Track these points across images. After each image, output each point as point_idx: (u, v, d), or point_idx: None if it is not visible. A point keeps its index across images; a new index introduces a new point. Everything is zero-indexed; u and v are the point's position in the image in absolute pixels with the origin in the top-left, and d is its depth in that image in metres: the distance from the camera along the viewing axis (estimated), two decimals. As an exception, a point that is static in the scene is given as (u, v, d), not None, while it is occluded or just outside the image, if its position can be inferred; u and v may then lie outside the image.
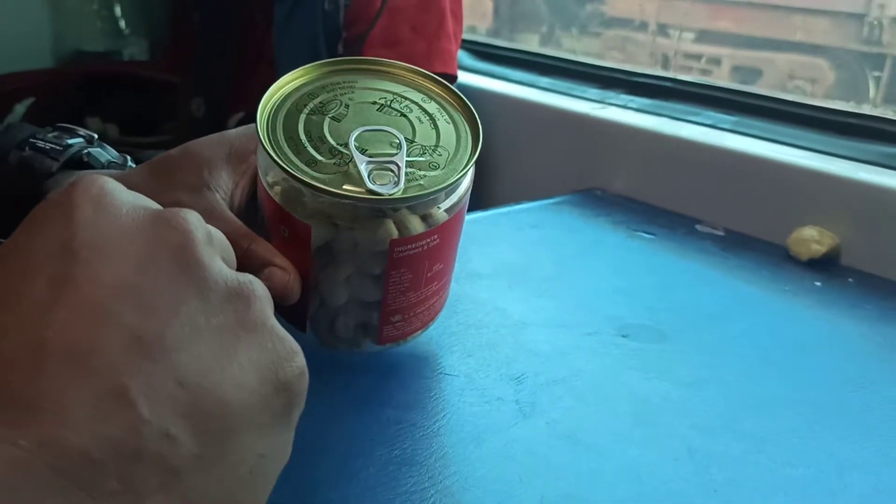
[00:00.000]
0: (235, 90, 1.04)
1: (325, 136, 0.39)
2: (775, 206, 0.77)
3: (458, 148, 0.41)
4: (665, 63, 1.16)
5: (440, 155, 0.40)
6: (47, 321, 0.23)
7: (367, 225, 0.38)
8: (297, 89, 0.42)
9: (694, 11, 1.16)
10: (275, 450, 0.27)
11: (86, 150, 0.51)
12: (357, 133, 0.39)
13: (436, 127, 0.42)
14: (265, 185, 0.40)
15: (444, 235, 0.41)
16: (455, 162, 0.40)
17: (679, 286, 0.67)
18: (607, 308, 0.61)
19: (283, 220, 0.39)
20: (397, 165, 0.38)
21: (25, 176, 0.49)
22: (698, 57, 1.14)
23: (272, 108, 0.40)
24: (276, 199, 0.39)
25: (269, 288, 0.32)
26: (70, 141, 0.51)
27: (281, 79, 0.42)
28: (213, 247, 0.28)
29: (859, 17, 0.97)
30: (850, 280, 0.69)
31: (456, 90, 0.44)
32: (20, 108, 1.30)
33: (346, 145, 0.39)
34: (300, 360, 0.28)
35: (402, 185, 0.37)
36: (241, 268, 0.32)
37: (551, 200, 0.87)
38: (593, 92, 1.01)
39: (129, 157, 0.55)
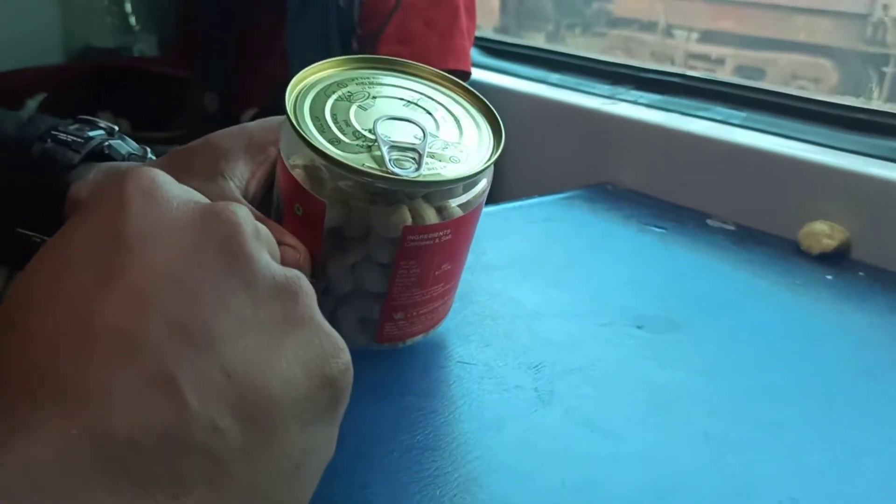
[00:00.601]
0: (245, 86, 1.04)
1: (351, 120, 0.40)
2: (786, 200, 0.78)
3: (479, 146, 0.41)
4: (669, 63, 1.16)
5: (461, 151, 0.41)
6: (95, 309, 0.23)
7: (382, 209, 0.39)
8: (327, 77, 0.43)
9: (697, 12, 1.16)
10: (320, 445, 0.27)
11: (107, 143, 0.52)
12: (382, 120, 0.40)
13: (459, 127, 0.42)
14: (287, 166, 0.41)
15: (457, 232, 0.42)
16: (476, 159, 0.40)
17: (691, 279, 0.67)
18: (620, 299, 0.61)
19: (299, 198, 0.40)
20: (418, 153, 0.39)
21: (47, 167, 0.49)
22: (702, 57, 1.15)
23: (301, 90, 0.41)
24: (297, 178, 0.40)
25: None
26: (91, 133, 0.52)
27: (312, 66, 0.43)
28: (261, 241, 0.28)
29: (862, 18, 0.97)
30: (861, 274, 0.70)
31: (481, 97, 0.44)
32: (32, 104, 1.31)
33: (371, 130, 0.39)
34: (346, 356, 0.28)
35: (422, 170, 0.38)
36: None
37: (563, 195, 0.87)
38: (603, 88, 1.01)
39: (149, 150, 0.56)
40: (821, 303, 0.64)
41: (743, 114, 0.88)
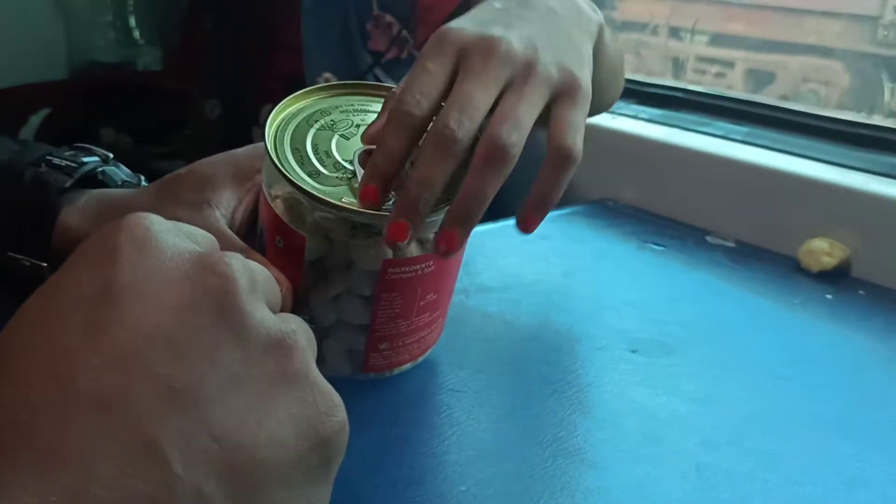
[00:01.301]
0: (259, 83, 1.03)
1: (332, 151, 0.39)
2: (786, 217, 0.77)
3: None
4: (678, 66, 1.16)
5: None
6: (78, 367, 0.22)
7: (362, 242, 0.39)
8: (310, 105, 0.42)
9: (706, 15, 1.16)
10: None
11: (101, 169, 0.52)
12: (364, 148, 0.39)
13: None
14: (268, 197, 0.40)
15: (441, 263, 0.41)
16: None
17: (689, 299, 0.67)
18: (617, 321, 0.61)
19: (280, 231, 0.39)
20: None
21: (39, 191, 0.49)
22: (711, 60, 1.14)
23: (283, 121, 0.41)
24: (276, 210, 0.39)
25: None
26: (85, 159, 0.51)
27: (295, 94, 0.42)
28: (257, 293, 0.27)
29: (873, 20, 0.97)
30: (861, 292, 0.69)
31: None
32: (35, 120, 1.31)
33: (352, 161, 0.39)
34: (341, 413, 0.27)
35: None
36: None
37: (562, 211, 0.87)
38: (604, 102, 1.01)
39: (143, 177, 0.56)
40: (820, 323, 0.64)
41: (745, 129, 0.88)
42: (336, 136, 0.40)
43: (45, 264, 0.50)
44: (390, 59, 0.95)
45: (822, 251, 0.72)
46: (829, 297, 0.68)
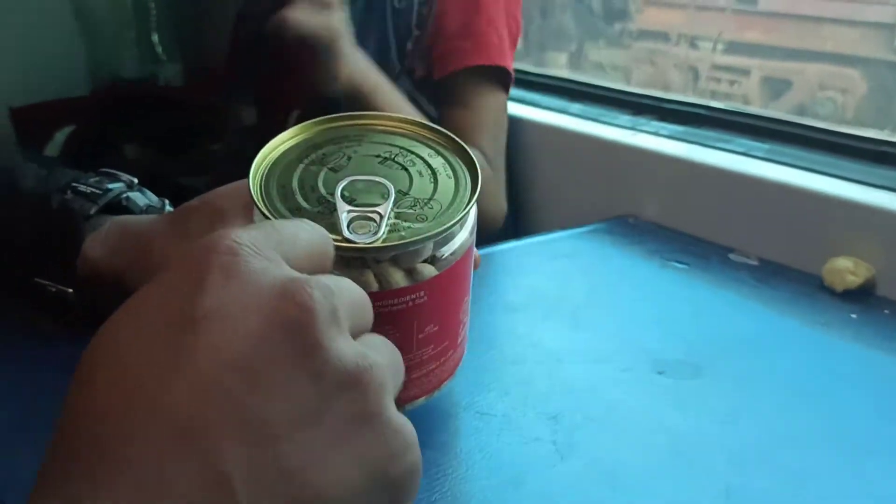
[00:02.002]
0: (287, 90, 1.05)
1: (317, 185, 0.39)
2: (809, 235, 0.77)
3: (453, 201, 0.40)
4: (695, 75, 1.16)
5: (431, 208, 0.39)
6: (161, 393, 0.23)
7: (345, 275, 0.37)
8: (304, 141, 0.42)
9: (722, 23, 1.16)
10: None
11: (125, 195, 0.53)
12: (346, 182, 0.38)
13: (435, 181, 0.41)
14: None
15: (434, 293, 0.39)
16: (445, 215, 0.38)
17: (713, 318, 0.67)
18: (642, 341, 0.61)
19: None
20: (380, 215, 0.37)
21: (65, 218, 0.50)
22: (727, 68, 1.14)
23: (273, 159, 0.40)
24: None
25: None
26: (110, 185, 0.53)
27: (287, 131, 0.42)
28: (338, 322, 0.26)
29: (890, 27, 0.97)
30: (886, 311, 0.69)
31: (465, 147, 0.42)
32: (60, 136, 1.33)
33: (334, 194, 0.38)
34: (414, 454, 0.27)
35: (381, 234, 0.36)
36: None
37: (584, 229, 0.87)
38: (624, 118, 1.01)
39: (167, 202, 0.57)
40: (845, 343, 0.64)
41: (766, 145, 0.88)
42: (324, 171, 0.40)
43: (71, 290, 0.51)
44: (421, 77, 0.96)
45: (847, 270, 0.72)
46: (853, 316, 0.68)
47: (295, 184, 0.39)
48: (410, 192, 0.39)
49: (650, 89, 1.07)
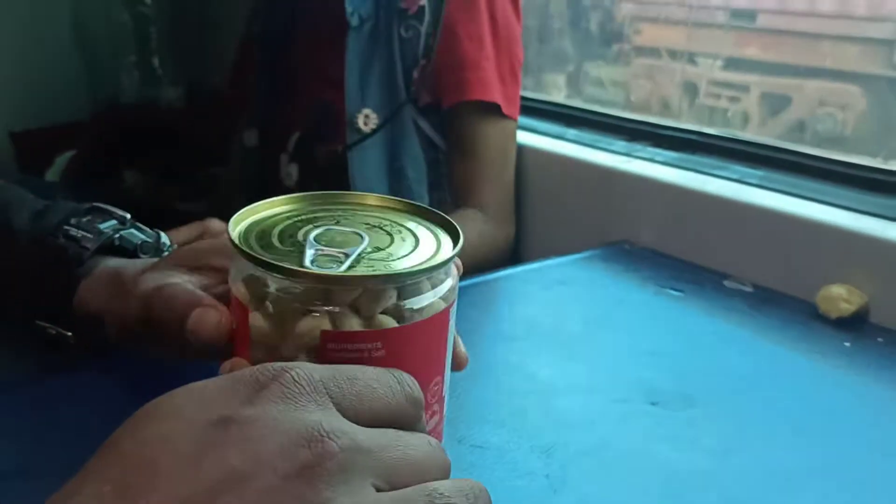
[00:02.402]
0: (290, 111, 1.07)
1: (297, 234, 0.39)
2: (803, 262, 0.78)
3: (429, 257, 0.39)
4: (693, 91, 1.16)
5: (407, 259, 0.38)
6: (175, 470, 0.26)
7: (300, 309, 0.36)
8: (293, 209, 0.42)
9: (721, 39, 1.17)
10: None
11: (118, 234, 0.53)
12: (323, 230, 0.39)
13: (417, 242, 0.40)
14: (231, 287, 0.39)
15: (392, 347, 0.37)
16: (415, 266, 0.37)
17: (707, 348, 0.67)
18: (636, 372, 0.61)
19: (234, 311, 0.39)
20: (346, 255, 0.37)
21: (59, 266, 0.51)
22: (727, 84, 1.15)
23: (258, 216, 0.40)
24: (233, 291, 0.39)
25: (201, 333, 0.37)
26: (103, 226, 0.53)
27: (275, 199, 0.42)
28: (349, 483, 0.28)
29: (888, 44, 0.98)
30: (880, 339, 0.70)
31: (456, 226, 0.41)
32: (61, 161, 1.34)
33: (308, 238, 0.38)
34: None
35: (342, 268, 0.36)
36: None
37: (580, 255, 0.88)
38: (620, 144, 1.02)
39: (162, 234, 0.57)
40: (839, 373, 0.64)
41: (760, 172, 0.89)
42: (309, 226, 0.40)
43: (70, 333, 0.51)
44: (426, 105, 0.98)
45: (840, 298, 0.72)
46: (847, 345, 0.68)
47: (276, 232, 0.39)
48: (387, 249, 0.39)
49: (651, 103, 1.08)
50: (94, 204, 0.54)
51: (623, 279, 0.82)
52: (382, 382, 0.32)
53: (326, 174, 0.99)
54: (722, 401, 0.58)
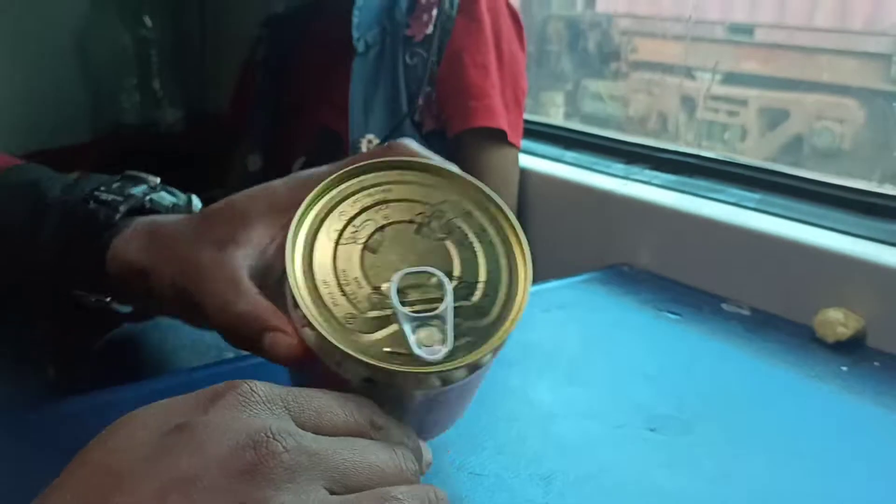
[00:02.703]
0: (291, 136, 1.07)
1: (362, 279, 0.37)
2: (800, 286, 0.78)
3: (506, 284, 0.39)
4: (692, 105, 1.17)
5: (487, 295, 0.38)
6: (132, 476, 0.28)
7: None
8: (328, 207, 0.39)
9: (719, 53, 1.18)
10: None
11: (148, 197, 0.52)
12: (398, 277, 0.37)
13: (478, 252, 0.39)
14: (294, 319, 0.38)
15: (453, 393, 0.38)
16: (504, 306, 0.38)
17: (705, 372, 0.68)
18: (634, 396, 0.62)
19: (313, 364, 0.37)
20: (442, 320, 0.36)
21: (89, 228, 0.50)
22: (725, 98, 1.16)
23: (305, 242, 0.38)
24: (309, 343, 0.37)
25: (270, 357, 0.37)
26: (133, 190, 0.52)
27: (308, 197, 0.39)
28: (297, 482, 0.29)
29: (886, 58, 0.98)
30: (877, 364, 0.70)
31: (496, 199, 0.41)
32: (61, 183, 1.34)
33: (386, 294, 0.36)
34: None
35: (449, 344, 0.35)
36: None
37: (579, 278, 0.88)
38: (618, 167, 1.03)
39: (194, 197, 0.56)
40: (836, 398, 0.64)
41: (757, 196, 0.89)
42: (363, 251, 0.38)
43: (108, 298, 0.51)
44: (430, 131, 0.98)
45: (837, 322, 0.72)
46: (844, 369, 0.69)
47: (338, 276, 0.37)
48: (460, 275, 0.38)
49: (650, 118, 1.09)
50: (127, 172, 0.54)
51: (622, 302, 0.83)
52: (343, 403, 0.33)
53: None
54: (720, 426, 0.58)
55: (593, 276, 0.90)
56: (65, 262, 0.50)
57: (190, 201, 0.56)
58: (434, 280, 0.38)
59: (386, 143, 0.44)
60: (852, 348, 0.72)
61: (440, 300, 0.37)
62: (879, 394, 0.65)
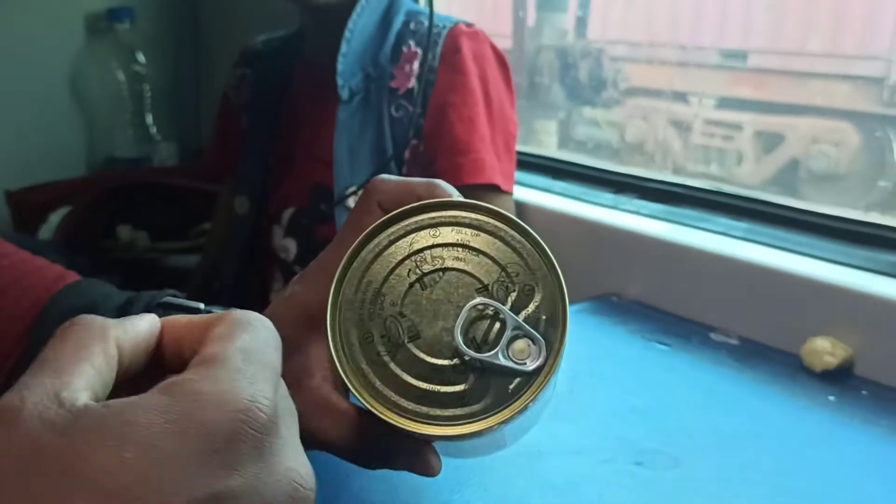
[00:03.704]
0: (283, 188, 1.06)
1: (426, 333, 0.37)
2: (788, 315, 0.78)
3: (550, 314, 0.40)
4: (687, 130, 1.18)
5: (538, 321, 0.39)
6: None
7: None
8: (367, 254, 0.39)
9: (713, 79, 1.19)
10: None
11: None
12: (456, 325, 0.37)
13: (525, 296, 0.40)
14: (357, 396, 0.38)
15: None
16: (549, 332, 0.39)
17: (693, 404, 0.68)
18: (621, 431, 0.62)
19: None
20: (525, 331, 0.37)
21: None
22: (721, 123, 1.16)
23: (353, 330, 0.38)
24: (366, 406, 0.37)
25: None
26: None
27: (343, 262, 0.39)
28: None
29: (879, 81, 0.99)
30: (864, 392, 0.70)
31: (539, 240, 0.41)
32: (55, 218, 1.35)
33: (458, 351, 0.37)
34: None
35: (543, 351, 0.37)
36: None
37: (570, 308, 0.88)
38: (606, 197, 1.03)
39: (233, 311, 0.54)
40: (824, 429, 0.64)
41: (744, 225, 0.90)
42: (419, 293, 0.38)
43: None
44: None
45: (825, 351, 0.73)
46: (831, 398, 0.69)
47: (403, 343, 0.38)
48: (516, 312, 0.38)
49: (646, 143, 1.10)
50: (167, 298, 0.52)
51: (610, 333, 0.83)
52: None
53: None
54: (707, 460, 0.58)
55: (582, 306, 0.90)
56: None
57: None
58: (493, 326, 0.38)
59: (428, 181, 0.43)
60: (840, 377, 0.72)
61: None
62: (868, 423, 0.65)
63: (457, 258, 0.39)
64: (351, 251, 0.38)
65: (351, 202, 0.93)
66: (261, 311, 0.52)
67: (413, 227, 0.39)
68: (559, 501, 0.52)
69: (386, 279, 0.38)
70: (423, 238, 0.39)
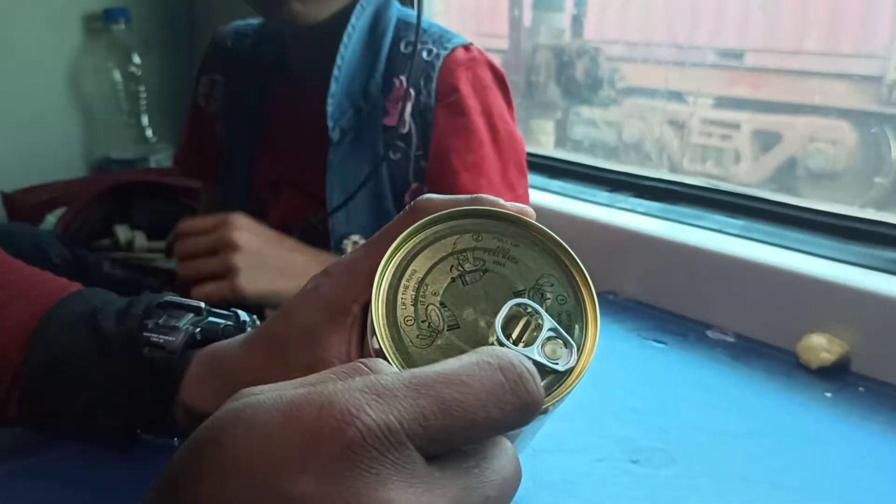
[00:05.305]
0: (270, 218, 0.98)
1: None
2: (784, 312, 0.78)
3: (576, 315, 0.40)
4: (685, 129, 1.18)
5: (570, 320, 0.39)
6: None
7: None
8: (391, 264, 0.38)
9: (711, 79, 1.19)
10: None
11: (198, 329, 0.50)
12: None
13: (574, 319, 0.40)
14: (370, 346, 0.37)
15: None
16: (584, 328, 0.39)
17: (690, 402, 0.68)
18: (618, 429, 0.62)
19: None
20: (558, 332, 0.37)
21: (155, 378, 0.48)
22: (719, 122, 1.16)
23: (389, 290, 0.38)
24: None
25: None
26: (180, 323, 0.50)
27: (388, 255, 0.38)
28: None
29: (875, 80, 0.99)
30: (861, 389, 0.70)
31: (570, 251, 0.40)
32: (52, 218, 1.35)
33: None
34: None
35: (575, 352, 0.37)
36: None
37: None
38: (603, 195, 1.03)
39: (240, 312, 0.54)
40: (821, 426, 0.64)
41: (740, 222, 0.90)
42: (460, 287, 0.38)
43: (175, 440, 0.50)
44: None
45: (821, 347, 0.73)
46: (828, 395, 0.69)
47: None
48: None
49: (644, 143, 1.10)
50: (167, 298, 0.51)
51: (607, 331, 0.82)
52: (487, 395, 0.27)
53: None
54: (703, 458, 0.58)
55: (579, 305, 0.90)
56: (128, 405, 0.49)
57: (238, 317, 0.54)
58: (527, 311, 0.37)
59: (473, 198, 0.43)
60: (836, 374, 0.72)
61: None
62: (864, 419, 0.65)
63: (497, 262, 0.40)
64: (399, 240, 0.39)
65: (349, 250, 0.87)
66: (255, 315, 0.53)
67: (457, 228, 0.40)
68: (555, 499, 0.52)
69: (429, 271, 0.39)
70: (466, 240, 0.40)
